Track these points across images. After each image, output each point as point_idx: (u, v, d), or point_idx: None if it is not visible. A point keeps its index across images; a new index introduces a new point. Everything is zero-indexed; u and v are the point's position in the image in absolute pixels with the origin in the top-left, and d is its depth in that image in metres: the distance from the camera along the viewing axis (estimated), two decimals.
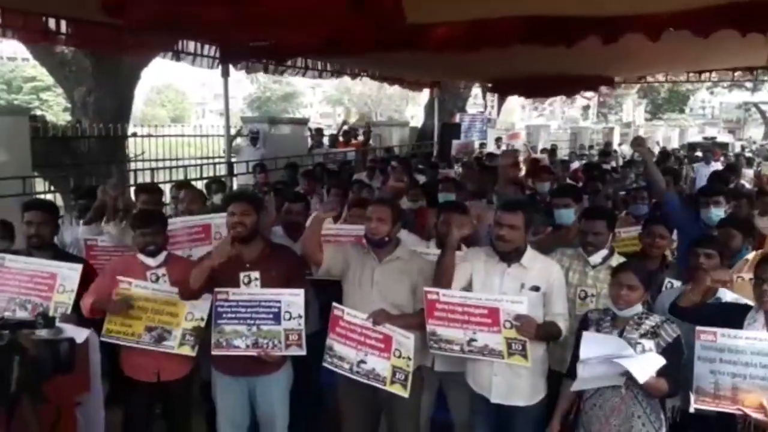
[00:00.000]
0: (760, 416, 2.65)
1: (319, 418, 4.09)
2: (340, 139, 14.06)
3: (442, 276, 3.27)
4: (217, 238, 4.14)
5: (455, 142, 14.88)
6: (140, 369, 3.54)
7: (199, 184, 7.62)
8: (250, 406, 3.51)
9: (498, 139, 15.65)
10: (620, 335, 2.92)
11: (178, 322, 3.50)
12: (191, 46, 7.79)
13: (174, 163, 9.83)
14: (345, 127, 15.50)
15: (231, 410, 3.48)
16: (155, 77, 36.22)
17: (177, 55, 7.76)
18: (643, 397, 2.90)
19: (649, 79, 14.26)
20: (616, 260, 3.55)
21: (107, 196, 4.14)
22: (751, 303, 2.95)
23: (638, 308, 2.97)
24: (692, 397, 2.81)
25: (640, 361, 2.78)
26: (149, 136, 10.63)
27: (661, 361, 2.78)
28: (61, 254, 3.83)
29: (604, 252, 3.60)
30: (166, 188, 6.82)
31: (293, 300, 3.32)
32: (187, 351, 3.48)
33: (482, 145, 15.24)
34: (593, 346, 2.87)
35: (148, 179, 8.20)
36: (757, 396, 2.67)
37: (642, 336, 2.88)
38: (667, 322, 2.95)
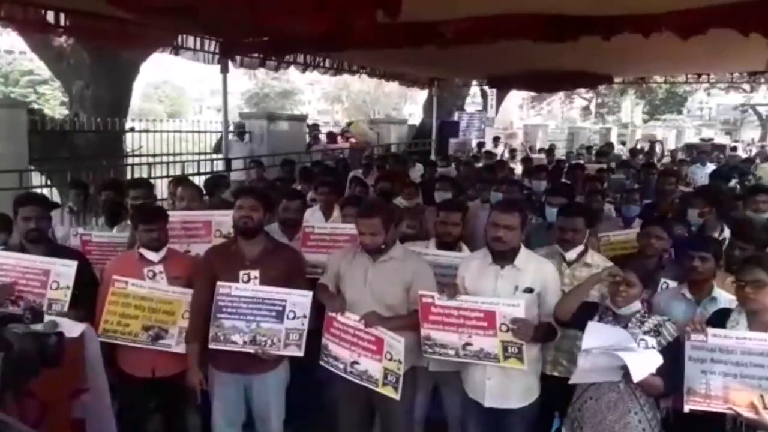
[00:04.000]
0: (751, 415, 2.67)
1: (316, 414, 4.10)
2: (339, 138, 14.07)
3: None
4: (217, 235, 4.15)
5: (452, 141, 14.89)
6: (136, 365, 3.55)
7: (197, 180, 7.63)
8: (245, 403, 3.51)
9: (496, 139, 15.65)
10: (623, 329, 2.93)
11: (175, 320, 3.50)
12: (191, 41, 7.79)
13: (171, 159, 9.79)
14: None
15: (226, 407, 3.48)
16: (153, 73, 36.17)
17: (176, 50, 7.77)
18: (641, 393, 2.91)
19: (648, 79, 14.29)
20: (591, 258, 3.60)
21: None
22: None
23: (637, 306, 2.98)
24: (684, 398, 2.82)
25: (640, 358, 2.78)
26: (146, 131, 10.57)
27: (659, 361, 2.79)
28: (56, 248, 3.82)
29: (579, 248, 3.63)
30: (164, 183, 6.82)
31: (300, 301, 3.32)
32: (183, 349, 3.48)
33: (480, 144, 15.25)
34: (597, 336, 2.86)
35: (145, 174, 8.18)
36: (748, 395, 2.69)
37: (645, 333, 2.89)
38: (669, 321, 2.96)
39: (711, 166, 10.24)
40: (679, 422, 3.09)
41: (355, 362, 3.29)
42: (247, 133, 11.05)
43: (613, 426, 2.94)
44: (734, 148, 19.22)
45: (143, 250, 3.60)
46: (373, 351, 3.23)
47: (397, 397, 3.18)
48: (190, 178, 6.95)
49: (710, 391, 2.77)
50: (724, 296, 3.21)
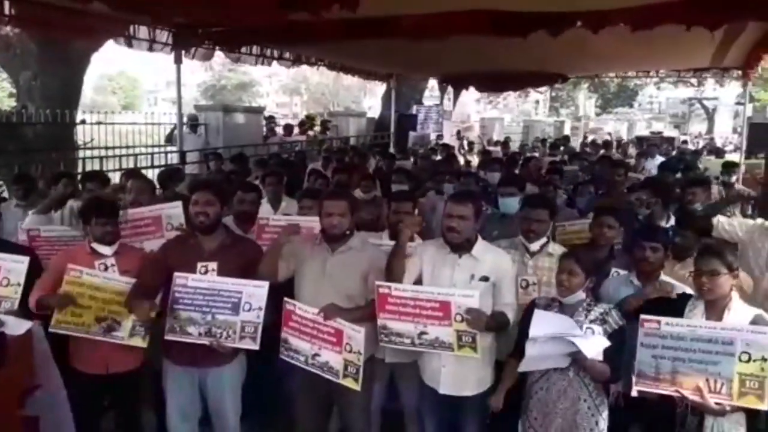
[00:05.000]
0: (696, 398, 2.78)
1: (273, 408, 4.09)
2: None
3: (391, 273, 3.27)
4: (168, 229, 4.08)
5: (411, 134, 14.97)
6: (89, 361, 3.47)
7: (150, 173, 7.49)
8: (201, 398, 3.48)
9: (459, 132, 15.82)
10: None
11: (128, 312, 3.44)
12: (143, 31, 7.61)
13: (124, 152, 9.58)
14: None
15: (181, 401, 3.45)
16: (106, 63, 35.24)
17: (129, 41, 7.58)
18: (590, 380, 3.00)
19: (600, 74, 14.64)
20: (553, 247, 3.68)
21: (69, 189, 4.09)
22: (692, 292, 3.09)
23: (581, 295, 3.06)
24: (634, 381, 2.92)
25: (588, 341, 2.88)
26: (99, 123, 10.29)
27: (605, 342, 2.89)
28: (2, 243, 3.70)
29: (543, 240, 3.70)
30: (117, 177, 6.68)
31: (256, 292, 3.29)
32: (137, 342, 3.43)
33: (439, 137, 15.36)
34: (543, 324, 2.94)
35: (97, 167, 7.99)
36: (694, 379, 2.79)
37: (591, 322, 2.98)
38: (615, 309, 3.06)
39: (659, 158, 10.53)
40: (630, 406, 3.20)
41: (315, 354, 3.30)
42: (201, 126, 10.88)
43: (564, 413, 3.02)
44: (685, 141, 19.86)
45: (96, 245, 3.53)
46: (333, 343, 3.24)
47: (358, 388, 3.20)
48: (144, 171, 6.84)
49: (659, 375, 2.86)
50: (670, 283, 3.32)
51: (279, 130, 13.19)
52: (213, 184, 3.72)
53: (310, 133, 13.95)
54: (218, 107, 12.07)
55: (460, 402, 3.34)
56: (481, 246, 3.36)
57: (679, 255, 3.55)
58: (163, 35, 7.85)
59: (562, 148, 13.09)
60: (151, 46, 7.77)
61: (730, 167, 7.59)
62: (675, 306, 3.03)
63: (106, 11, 5.99)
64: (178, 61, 8.23)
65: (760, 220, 4.36)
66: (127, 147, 10.14)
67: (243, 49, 8.89)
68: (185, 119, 10.69)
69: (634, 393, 2.91)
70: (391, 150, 12.94)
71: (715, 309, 2.91)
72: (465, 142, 14.58)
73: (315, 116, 15.89)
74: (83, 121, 10.22)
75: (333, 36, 6.76)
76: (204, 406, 3.51)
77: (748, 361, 2.73)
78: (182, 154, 8.93)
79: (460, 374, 3.29)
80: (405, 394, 3.68)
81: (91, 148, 9.69)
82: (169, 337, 3.32)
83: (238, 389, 3.52)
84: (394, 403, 3.79)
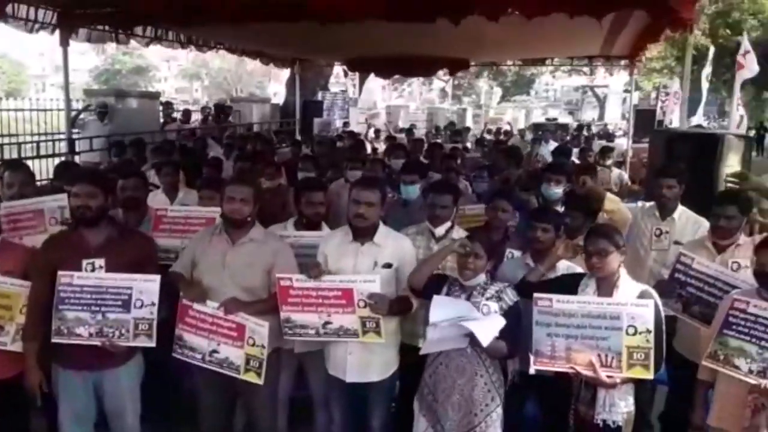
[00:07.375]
0: (589, 373, 2.92)
1: (175, 405, 3.96)
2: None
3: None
4: (51, 224, 3.84)
5: (317, 120, 14.85)
6: None
7: (36, 163, 7.01)
8: (96, 400, 3.29)
9: (367, 119, 15.84)
10: (468, 299, 3.10)
11: (12, 315, 3.20)
12: (23, 9, 7.05)
13: (7, 140, 8.88)
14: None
15: (75, 406, 3.25)
16: None
17: (6, 19, 6.99)
18: (486, 357, 3.10)
19: (499, 63, 15.09)
20: (457, 232, 3.75)
21: None
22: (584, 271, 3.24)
23: (482, 278, 3.16)
24: (532, 359, 3.03)
25: (484, 324, 2.96)
26: None
27: (502, 322, 2.99)
28: None
29: (447, 224, 3.78)
30: None
31: (147, 287, 3.14)
32: (21, 348, 3.20)
33: (345, 124, 15.33)
34: (442, 309, 3.01)
35: None
36: (587, 354, 2.93)
37: (487, 299, 3.08)
38: (509, 287, 3.18)
39: (553, 144, 10.99)
40: (528, 384, 3.34)
41: (214, 351, 3.21)
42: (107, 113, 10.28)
43: (462, 389, 3.11)
44: (580, 127, 20.81)
45: None
46: (234, 338, 3.18)
47: (260, 382, 3.16)
48: (30, 161, 6.38)
49: (555, 352, 2.98)
50: (563, 264, 3.46)
51: (177, 116, 12.66)
52: (93, 175, 3.49)
53: (210, 120, 13.49)
54: (110, 92, 11.47)
55: (368, 388, 3.37)
56: (383, 232, 3.39)
57: (570, 234, 3.72)
58: (47, 15, 7.31)
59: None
60: (32, 27, 7.22)
61: (606, 152, 8.40)
62: (569, 286, 3.16)
63: None
64: (64, 43, 7.69)
65: (640, 203, 4.64)
66: (11, 135, 9.43)
67: (137, 31, 8.44)
68: (93, 106, 10.10)
69: (532, 371, 3.03)
70: (297, 137, 12.78)
71: (605, 286, 3.06)
72: (372, 130, 14.62)
73: (223, 102, 15.32)
74: None
75: (233, 18, 6.56)
76: (99, 409, 3.32)
77: (635, 333, 2.88)
78: (71, 143, 8.39)
79: (366, 360, 3.32)
80: (313, 383, 3.66)
81: None
82: (56, 339, 3.12)
83: (137, 389, 3.36)
84: (303, 392, 3.76)
